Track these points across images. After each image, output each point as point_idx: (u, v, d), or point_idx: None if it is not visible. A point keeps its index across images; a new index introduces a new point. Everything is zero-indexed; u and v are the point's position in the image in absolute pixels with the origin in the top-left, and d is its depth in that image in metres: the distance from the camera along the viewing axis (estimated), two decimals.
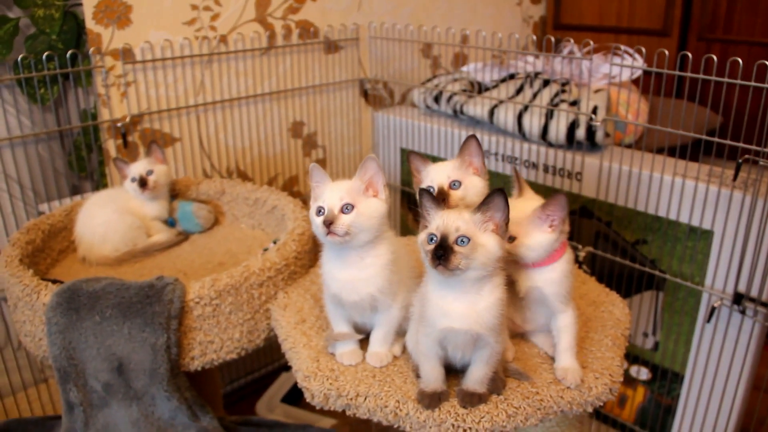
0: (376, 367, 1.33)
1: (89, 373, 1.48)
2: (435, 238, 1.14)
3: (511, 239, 1.28)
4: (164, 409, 1.49)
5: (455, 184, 1.37)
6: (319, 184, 1.29)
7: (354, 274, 1.29)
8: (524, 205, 1.32)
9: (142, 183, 1.88)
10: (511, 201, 1.25)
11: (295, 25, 2.41)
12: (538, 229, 1.28)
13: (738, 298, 1.79)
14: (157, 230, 1.93)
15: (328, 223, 1.23)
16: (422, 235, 1.17)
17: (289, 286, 1.62)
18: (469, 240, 1.12)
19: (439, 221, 1.14)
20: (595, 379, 1.28)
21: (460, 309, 1.16)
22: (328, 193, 1.26)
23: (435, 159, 2.39)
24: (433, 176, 1.39)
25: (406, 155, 1.51)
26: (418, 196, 1.21)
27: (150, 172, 1.89)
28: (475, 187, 1.37)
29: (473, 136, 1.39)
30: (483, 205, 1.14)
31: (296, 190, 2.60)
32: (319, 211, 1.26)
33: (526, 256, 1.29)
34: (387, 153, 2.64)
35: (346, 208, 1.24)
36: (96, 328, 1.44)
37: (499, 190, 1.13)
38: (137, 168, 1.89)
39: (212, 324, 1.50)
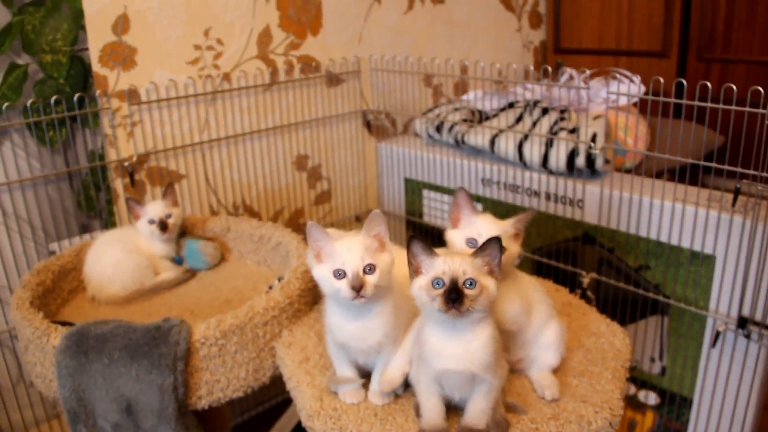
0: (378, 406, 1.34)
1: (99, 414, 1.50)
2: (443, 282, 1.15)
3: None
4: None
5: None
6: (320, 242, 1.28)
7: (362, 325, 1.30)
8: (493, 222, 1.40)
9: (163, 226, 1.91)
10: (478, 218, 1.40)
11: (297, 60, 2.45)
12: (511, 242, 1.38)
13: (742, 322, 1.80)
14: (165, 268, 1.95)
15: (359, 289, 1.23)
16: (422, 281, 1.17)
17: (293, 324, 1.64)
18: (476, 282, 1.14)
19: (444, 266, 1.15)
20: (595, 413, 1.28)
21: (455, 350, 1.18)
22: (346, 255, 1.24)
23: (438, 188, 2.43)
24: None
25: (456, 191, 1.47)
26: (408, 245, 1.19)
27: (169, 216, 1.93)
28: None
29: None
30: (481, 251, 1.17)
31: (302, 222, 2.63)
32: (338, 274, 1.24)
33: (508, 269, 1.38)
34: (391, 183, 2.67)
35: (369, 269, 1.24)
36: (104, 370, 1.47)
37: (496, 238, 1.16)
38: (155, 211, 1.92)
39: (218, 363, 1.53)
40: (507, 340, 1.38)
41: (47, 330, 1.54)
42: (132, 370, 1.46)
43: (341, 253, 1.25)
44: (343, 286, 1.24)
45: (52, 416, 2.24)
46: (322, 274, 1.27)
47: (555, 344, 1.41)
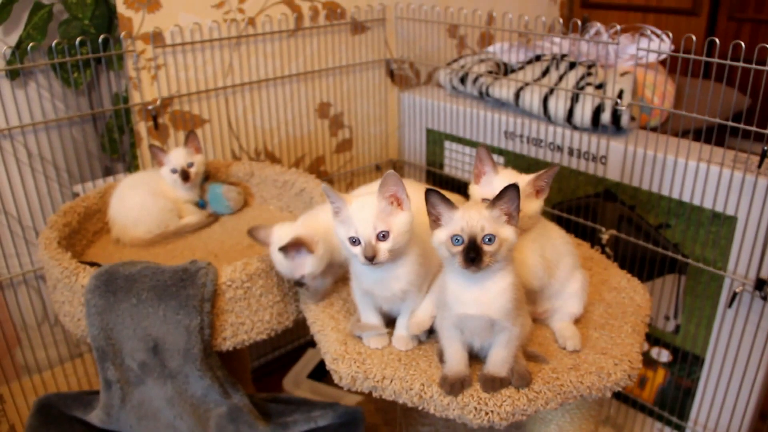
0: (401, 351, 1.37)
1: (126, 353, 1.54)
2: (461, 240, 1.16)
3: None
4: (197, 387, 1.55)
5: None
6: (336, 205, 1.28)
7: (387, 273, 1.31)
8: (513, 179, 1.40)
9: (185, 176, 1.92)
10: (497, 177, 1.41)
11: (322, 6, 2.42)
12: (531, 199, 1.40)
13: (760, 284, 1.80)
14: (189, 212, 1.97)
15: (371, 258, 1.24)
16: (441, 235, 1.19)
17: None
18: (494, 237, 1.15)
19: (462, 222, 1.16)
20: (615, 366, 1.31)
21: (475, 296, 1.21)
22: (359, 223, 1.25)
23: (460, 140, 2.42)
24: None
25: (477, 149, 1.49)
26: (426, 196, 1.20)
27: (191, 164, 1.93)
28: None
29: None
30: (498, 199, 1.17)
31: (323, 170, 2.63)
32: (353, 240, 1.25)
33: (526, 226, 1.39)
34: (412, 133, 2.66)
35: (382, 236, 1.25)
36: (132, 310, 1.50)
37: (512, 185, 1.16)
38: (177, 159, 1.92)
39: (243, 306, 1.56)
40: (532, 293, 1.40)
41: (76, 269, 1.57)
42: (159, 310, 1.49)
43: (355, 221, 1.25)
44: (358, 253, 1.25)
45: (76, 355, 2.30)
46: (341, 236, 1.28)
47: (579, 294, 1.44)
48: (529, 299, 1.39)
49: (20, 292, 2.11)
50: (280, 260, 1.48)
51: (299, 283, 1.53)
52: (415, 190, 1.31)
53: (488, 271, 1.18)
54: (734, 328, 1.92)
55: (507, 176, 1.42)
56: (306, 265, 1.46)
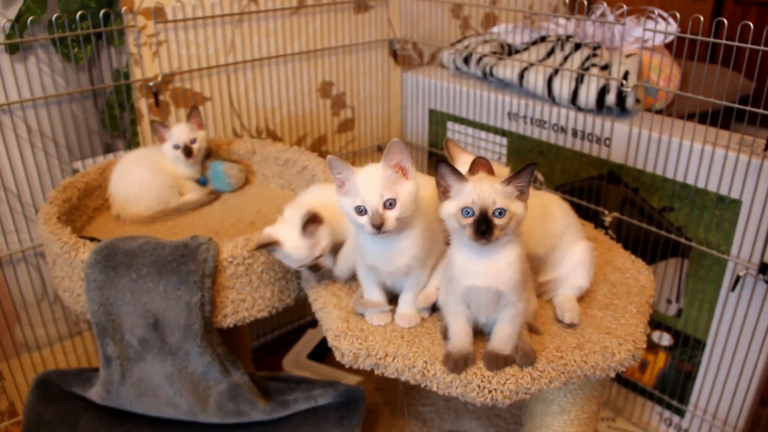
0: (404, 328, 1.36)
1: (126, 329, 1.53)
2: (472, 212, 1.16)
3: None
4: (197, 364, 1.55)
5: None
6: (343, 176, 1.26)
7: (390, 247, 1.30)
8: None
9: (188, 152, 1.91)
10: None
11: None
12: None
13: (764, 268, 1.79)
14: (189, 189, 1.96)
15: (379, 226, 1.22)
16: (451, 207, 1.19)
17: None
18: (505, 211, 1.15)
19: (473, 194, 1.16)
20: (619, 345, 1.30)
21: (482, 268, 1.21)
22: (365, 191, 1.23)
23: (462, 121, 2.40)
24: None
25: (444, 143, 1.50)
26: (435, 167, 1.19)
27: (194, 140, 1.92)
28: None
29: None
30: (515, 177, 1.17)
31: (324, 149, 2.62)
32: (360, 209, 1.23)
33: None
34: (415, 113, 2.64)
35: (389, 204, 1.23)
36: (132, 285, 1.49)
37: (532, 164, 1.17)
38: (180, 135, 1.91)
39: (244, 283, 1.55)
40: (535, 263, 1.39)
41: (75, 244, 1.56)
42: (160, 285, 1.48)
43: (361, 189, 1.24)
44: (365, 223, 1.24)
45: (75, 333, 2.29)
46: (346, 207, 1.27)
47: (584, 265, 1.43)
48: (533, 268, 1.38)
49: (19, 270, 2.10)
50: (298, 246, 1.42)
51: (316, 267, 1.47)
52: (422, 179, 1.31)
53: (497, 244, 1.18)
54: (736, 312, 1.91)
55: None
56: (323, 237, 1.44)
